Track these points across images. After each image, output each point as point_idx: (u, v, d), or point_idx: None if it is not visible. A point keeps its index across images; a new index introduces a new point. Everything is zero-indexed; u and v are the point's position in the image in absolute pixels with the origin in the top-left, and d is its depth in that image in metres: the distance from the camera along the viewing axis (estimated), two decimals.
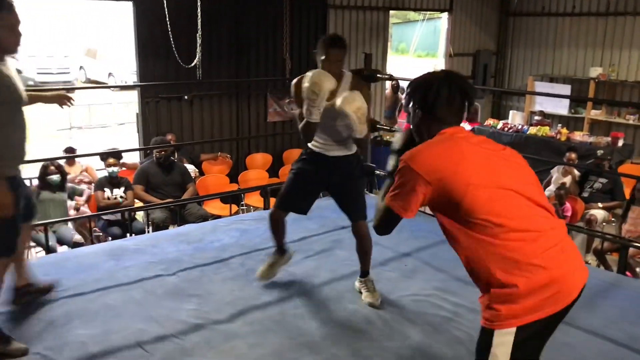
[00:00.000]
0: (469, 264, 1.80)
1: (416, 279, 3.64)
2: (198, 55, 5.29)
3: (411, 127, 1.97)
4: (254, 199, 6.83)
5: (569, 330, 3.11)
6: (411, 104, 1.93)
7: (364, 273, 3.40)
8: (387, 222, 1.90)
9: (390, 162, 2.07)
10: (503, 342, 1.71)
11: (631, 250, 5.30)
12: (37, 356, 2.67)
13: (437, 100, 1.85)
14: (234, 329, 3.00)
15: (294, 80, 3.12)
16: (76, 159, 6.98)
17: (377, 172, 5.43)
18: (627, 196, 6.26)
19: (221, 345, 2.85)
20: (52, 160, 5.57)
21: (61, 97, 3.15)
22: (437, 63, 11.36)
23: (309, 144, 3.20)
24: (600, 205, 6.48)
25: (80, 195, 6.02)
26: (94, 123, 13.59)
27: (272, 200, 6.07)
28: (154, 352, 2.75)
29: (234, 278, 3.58)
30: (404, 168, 1.77)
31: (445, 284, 3.55)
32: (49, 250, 4.84)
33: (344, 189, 3.30)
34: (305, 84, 2.89)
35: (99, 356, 2.71)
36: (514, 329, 1.71)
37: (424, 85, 1.90)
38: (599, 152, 7.18)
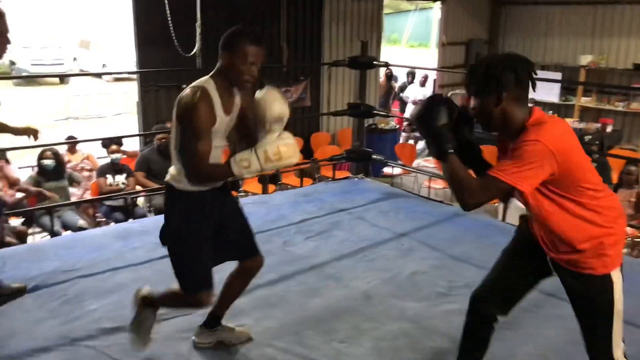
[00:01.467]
0: (567, 227, 2.00)
1: (413, 257, 3.80)
2: (198, 44, 5.39)
3: (488, 113, 1.97)
4: (252, 186, 6.96)
5: (558, 302, 3.26)
6: (492, 87, 1.93)
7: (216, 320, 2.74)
8: (493, 196, 1.98)
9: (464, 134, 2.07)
10: (618, 279, 2.00)
11: None
12: (52, 331, 2.81)
13: (525, 79, 1.94)
14: (240, 305, 3.12)
15: (200, 104, 2.19)
16: (77, 148, 7.09)
17: (375, 157, 5.55)
18: (615, 180, 6.44)
19: (228, 320, 2.98)
20: (53, 145, 5.70)
21: (29, 130, 3.19)
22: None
23: (188, 186, 2.32)
24: None
25: (78, 182, 6.12)
26: (90, 113, 13.65)
27: (271, 187, 6.24)
28: (164, 327, 2.88)
29: None
30: (539, 148, 1.86)
31: (440, 261, 3.72)
32: (54, 234, 4.97)
33: (237, 219, 2.58)
34: (273, 109, 2.25)
35: (111, 331, 2.84)
36: (618, 268, 2.01)
37: (510, 65, 1.93)
38: (587, 138, 7.36)
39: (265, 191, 5.68)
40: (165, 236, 2.44)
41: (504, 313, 2.26)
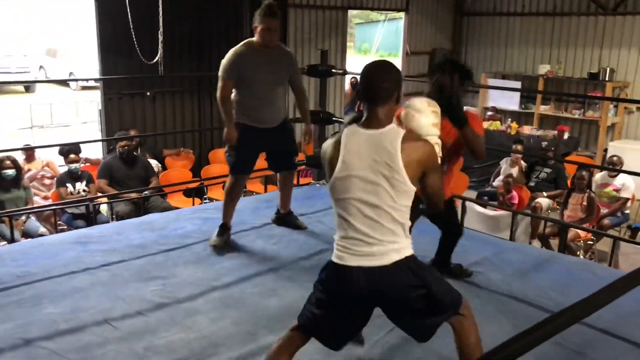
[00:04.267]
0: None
1: None
2: (160, 51, 5.45)
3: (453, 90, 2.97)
4: (217, 192, 7.01)
5: (504, 299, 3.42)
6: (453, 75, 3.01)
7: None
8: None
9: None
10: None
11: (570, 234, 5.71)
12: (7, 333, 2.82)
13: None
14: (196, 306, 3.20)
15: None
16: (36, 155, 7.04)
17: None
18: (569, 185, 6.69)
19: (184, 321, 3.05)
20: (8, 150, 5.67)
21: None
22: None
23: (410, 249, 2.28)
24: (544, 194, 6.89)
25: (31, 198, 6.01)
26: (55, 122, 13.50)
27: None
28: (120, 328, 2.93)
29: (196, 262, 3.77)
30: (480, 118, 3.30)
31: None
32: (14, 242, 4.93)
33: None
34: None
35: (68, 332, 2.87)
36: None
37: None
38: (544, 144, 7.61)
39: None
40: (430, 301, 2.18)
41: None
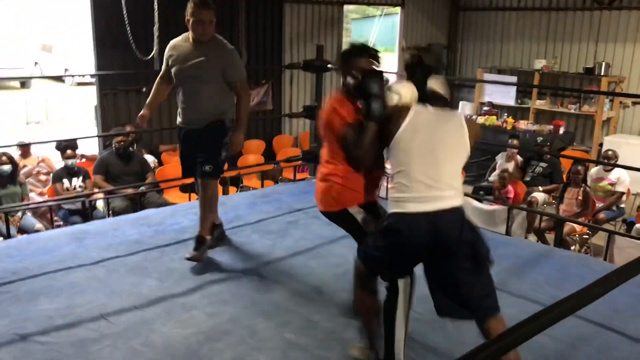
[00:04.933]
0: None
1: None
2: (155, 47, 5.42)
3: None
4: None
5: (500, 294, 3.41)
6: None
7: None
8: None
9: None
10: None
11: (566, 228, 5.72)
12: (2, 329, 2.82)
13: None
14: (193, 301, 3.21)
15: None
16: (31, 152, 7.02)
17: None
18: (564, 179, 6.70)
19: (180, 315, 3.05)
20: (3, 146, 5.65)
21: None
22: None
23: None
24: (540, 188, 6.91)
25: (27, 194, 5.99)
26: (51, 118, 13.47)
27: (231, 189, 6.28)
28: (117, 323, 2.94)
29: None
30: None
31: None
32: (9, 238, 4.92)
33: None
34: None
35: (64, 328, 2.88)
36: None
37: None
38: (539, 139, 7.62)
39: (225, 193, 5.73)
40: (484, 259, 2.42)
41: None
